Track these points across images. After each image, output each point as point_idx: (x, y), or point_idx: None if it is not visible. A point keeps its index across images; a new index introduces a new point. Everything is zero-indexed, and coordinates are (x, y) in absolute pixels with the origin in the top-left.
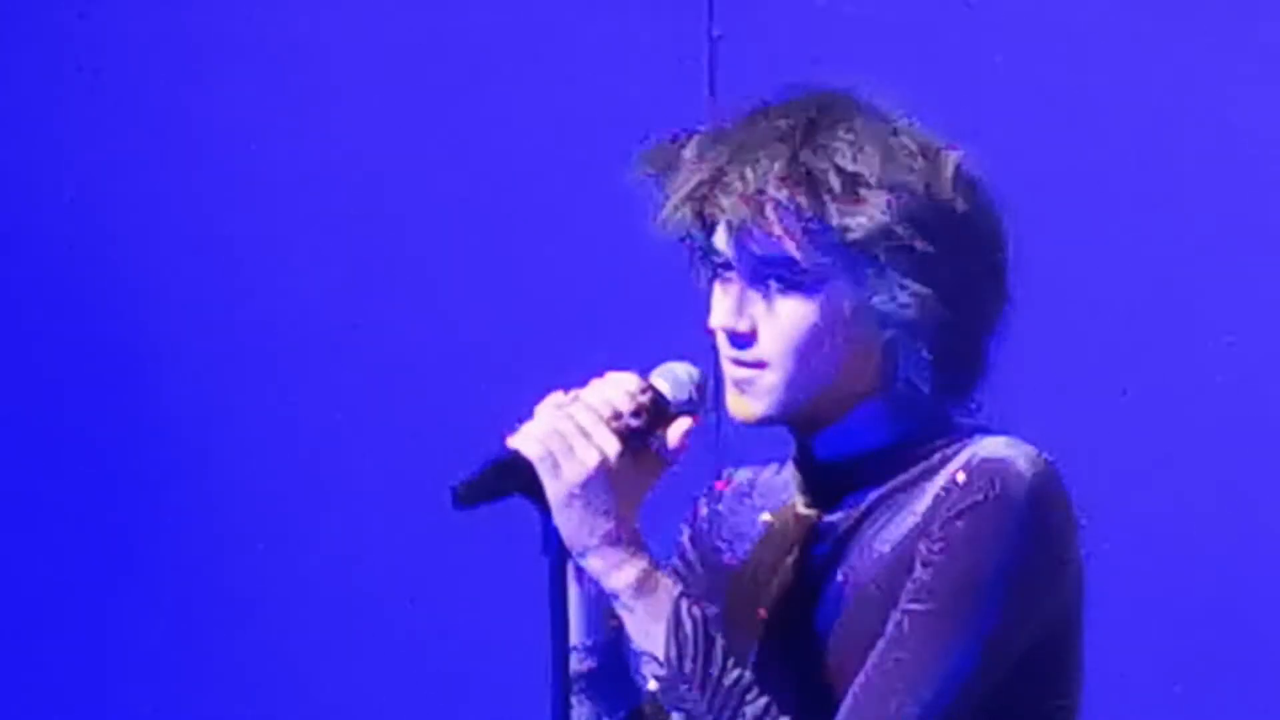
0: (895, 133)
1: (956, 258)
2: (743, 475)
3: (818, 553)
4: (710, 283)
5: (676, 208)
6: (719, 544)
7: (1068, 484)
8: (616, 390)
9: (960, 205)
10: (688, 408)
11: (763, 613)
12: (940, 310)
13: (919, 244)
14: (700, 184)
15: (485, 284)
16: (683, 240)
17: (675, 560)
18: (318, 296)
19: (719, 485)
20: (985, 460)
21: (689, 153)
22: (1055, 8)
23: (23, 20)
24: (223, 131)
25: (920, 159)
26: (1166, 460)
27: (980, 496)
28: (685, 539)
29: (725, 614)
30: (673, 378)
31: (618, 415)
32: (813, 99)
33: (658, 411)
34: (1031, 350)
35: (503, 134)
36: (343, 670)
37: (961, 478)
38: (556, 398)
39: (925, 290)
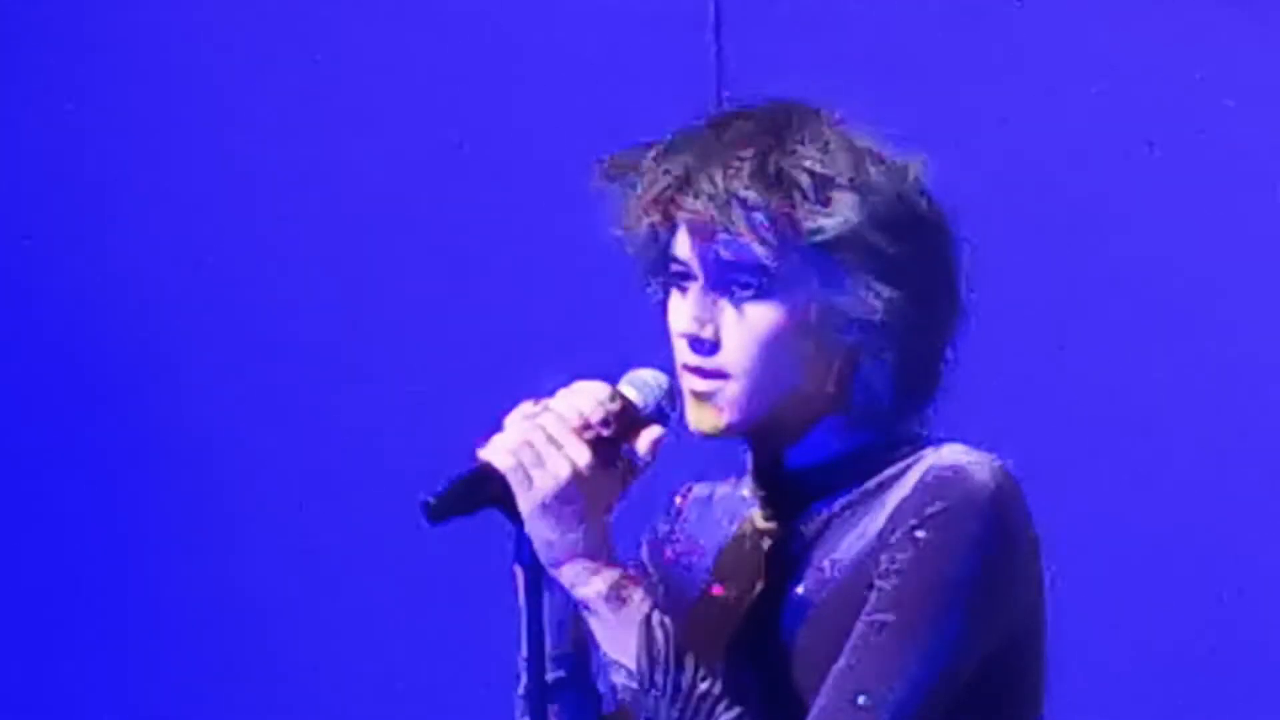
0: (857, 138)
1: (921, 262)
2: (701, 489)
3: (780, 564)
4: (665, 294)
5: (644, 211)
6: (680, 559)
7: (1027, 492)
8: (586, 399)
9: (924, 211)
10: (657, 415)
11: (728, 627)
12: (906, 314)
13: (888, 246)
14: (667, 186)
15: (457, 294)
16: (641, 249)
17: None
18: (297, 306)
19: (678, 500)
20: (945, 469)
21: (653, 157)
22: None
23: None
24: (220, 134)
25: (886, 164)
26: (1130, 467)
27: (940, 505)
28: (645, 555)
29: (688, 628)
30: (642, 385)
31: (588, 425)
32: (777, 106)
33: (628, 420)
34: (995, 357)
35: (499, 138)
36: (313, 680)
37: (921, 488)
38: (526, 408)
39: (893, 292)
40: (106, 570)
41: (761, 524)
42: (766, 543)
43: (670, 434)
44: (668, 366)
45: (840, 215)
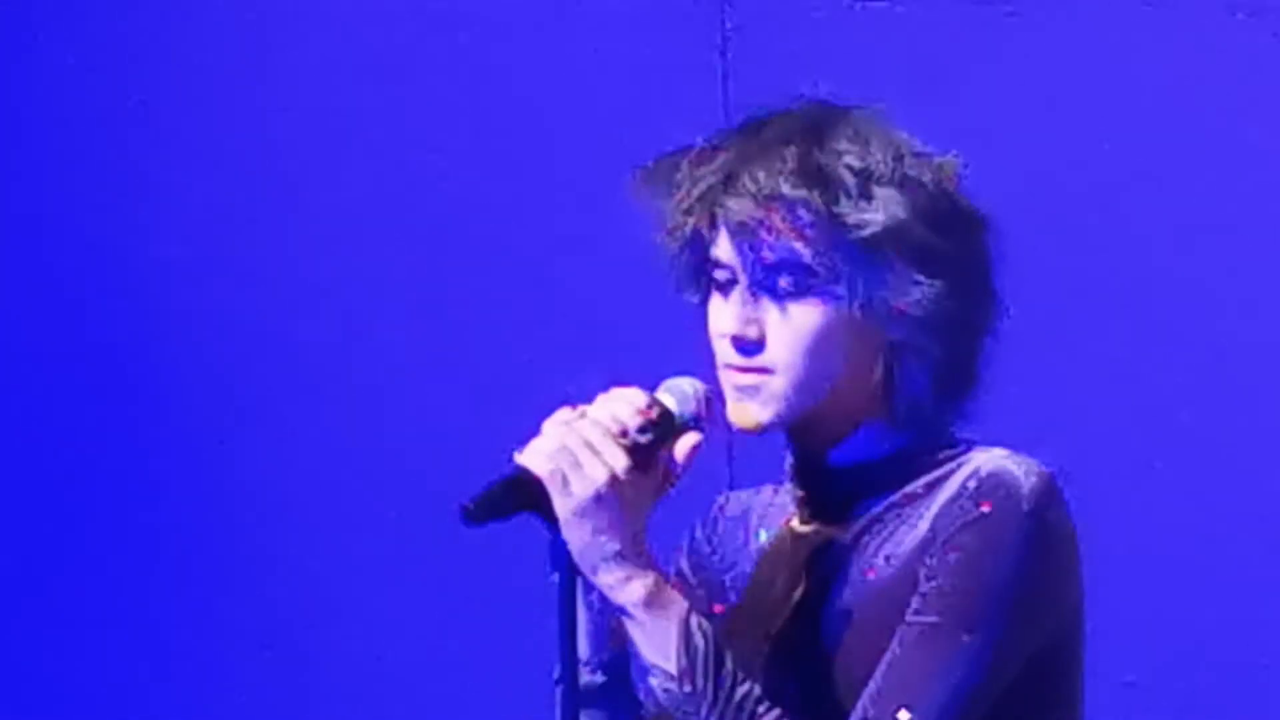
0: (893, 132)
1: (961, 255)
2: (739, 498)
3: (820, 568)
4: (706, 296)
5: (687, 213)
6: (718, 568)
7: (1068, 495)
8: (623, 406)
9: (961, 204)
10: (694, 423)
11: (768, 631)
12: (948, 306)
13: (930, 239)
14: (710, 188)
15: (493, 298)
16: (680, 254)
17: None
18: (329, 308)
19: (717, 508)
20: (990, 474)
21: (692, 161)
22: (1074, 9)
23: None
24: (236, 139)
25: (923, 158)
26: (1167, 469)
27: (985, 510)
28: (684, 564)
29: (729, 635)
30: (679, 393)
31: (625, 431)
32: (812, 106)
33: (664, 427)
34: (1033, 357)
35: (512, 143)
36: (347, 683)
37: (965, 492)
38: (564, 414)
39: (936, 285)
40: (128, 570)
41: (801, 528)
42: (807, 546)
43: (707, 441)
44: (705, 371)
45: (883, 210)
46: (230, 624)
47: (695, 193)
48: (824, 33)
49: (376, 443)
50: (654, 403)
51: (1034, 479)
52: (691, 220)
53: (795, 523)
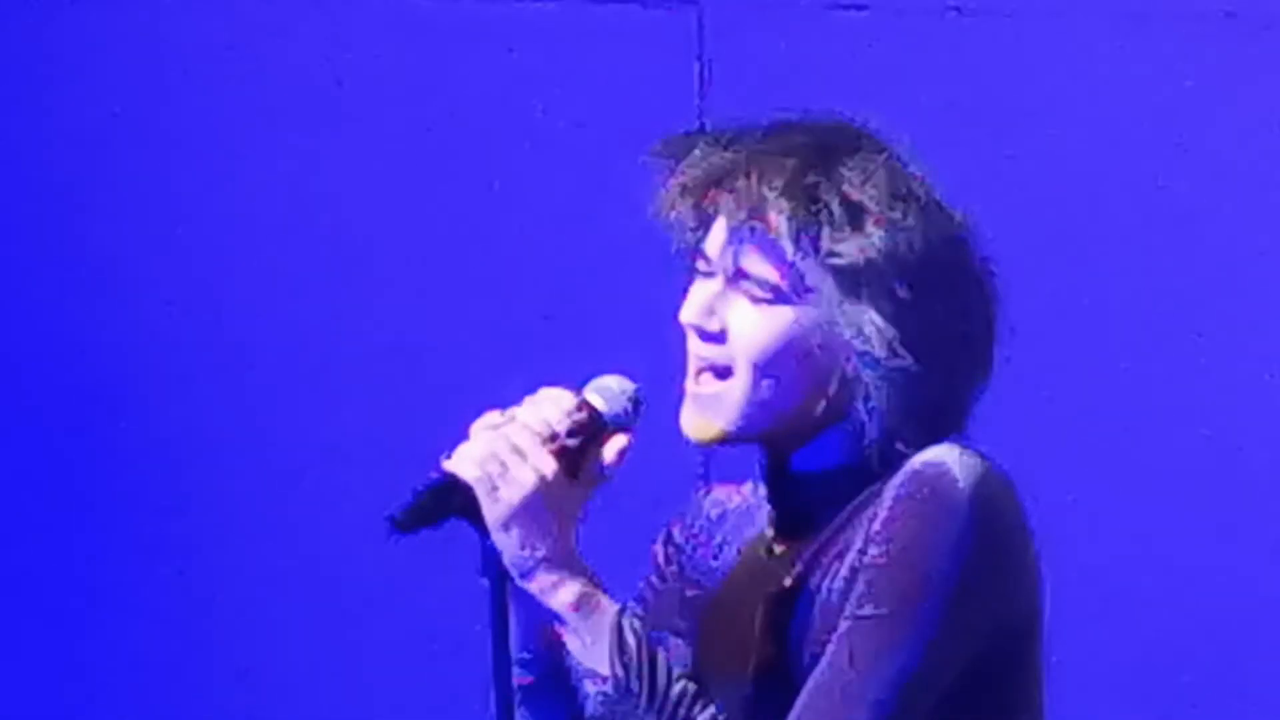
0: (906, 175)
1: (933, 311)
2: (717, 498)
3: (789, 577)
4: (690, 280)
5: (678, 197)
6: (695, 565)
7: (1020, 491)
8: (552, 408)
9: (955, 261)
10: (624, 422)
11: (734, 644)
12: (904, 356)
13: (901, 288)
14: (705, 179)
15: (419, 303)
16: (679, 232)
17: (652, 578)
18: (267, 313)
19: (696, 503)
20: (926, 465)
21: (701, 148)
22: (1046, 18)
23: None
24: (203, 136)
25: (929, 207)
26: (1128, 470)
27: (916, 500)
28: (660, 559)
29: (701, 638)
30: (607, 393)
31: (554, 435)
32: (838, 125)
33: (593, 428)
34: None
35: (488, 151)
36: (284, 686)
37: (903, 483)
38: (491, 418)
39: (892, 332)
40: (85, 571)
41: (770, 539)
42: (775, 563)
43: (670, 439)
44: (632, 371)
45: (860, 248)
46: (180, 632)
47: (692, 180)
48: (800, 39)
49: (305, 449)
50: (583, 404)
51: (972, 471)
52: (681, 204)
53: (768, 534)
